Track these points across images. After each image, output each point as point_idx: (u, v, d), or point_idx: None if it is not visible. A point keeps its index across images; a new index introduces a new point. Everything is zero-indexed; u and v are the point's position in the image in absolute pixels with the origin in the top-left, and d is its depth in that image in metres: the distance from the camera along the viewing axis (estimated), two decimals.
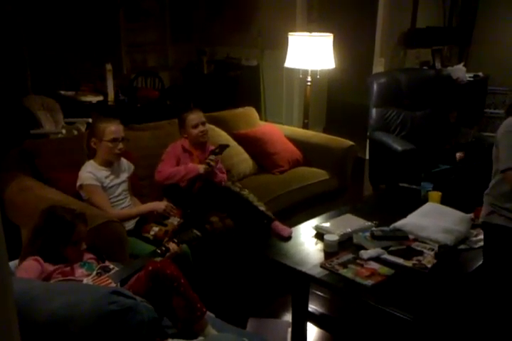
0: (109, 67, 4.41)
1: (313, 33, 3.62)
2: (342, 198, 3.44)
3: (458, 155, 3.52)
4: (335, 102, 6.45)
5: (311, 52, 3.55)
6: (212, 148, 2.83)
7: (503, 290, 1.98)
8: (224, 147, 2.81)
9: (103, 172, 2.41)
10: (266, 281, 2.84)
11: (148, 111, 4.54)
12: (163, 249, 1.85)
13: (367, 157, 4.62)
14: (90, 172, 2.36)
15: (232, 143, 3.20)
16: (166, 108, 4.85)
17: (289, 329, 2.42)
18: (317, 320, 2.51)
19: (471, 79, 5.04)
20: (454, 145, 3.64)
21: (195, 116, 2.80)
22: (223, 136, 3.23)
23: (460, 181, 3.20)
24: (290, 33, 3.70)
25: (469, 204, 2.63)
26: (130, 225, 2.41)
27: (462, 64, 5.09)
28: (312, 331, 2.45)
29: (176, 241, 1.91)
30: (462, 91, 4.69)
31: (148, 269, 1.55)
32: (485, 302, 2.07)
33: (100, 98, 4.50)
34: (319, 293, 2.67)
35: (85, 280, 1.61)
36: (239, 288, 2.74)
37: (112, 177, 2.44)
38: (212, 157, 2.71)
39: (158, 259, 1.73)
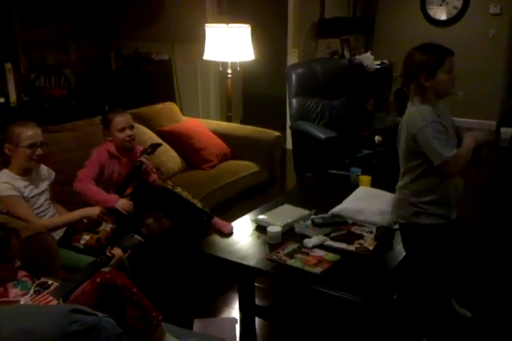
0: (8, 66, 4.05)
1: (231, 25, 3.56)
2: (272, 189, 3.45)
3: (376, 138, 3.67)
4: (250, 94, 6.47)
5: (229, 44, 3.50)
6: (141, 148, 2.69)
7: (429, 280, 2.01)
8: (156, 146, 2.68)
9: (21, 182, 2.19)
10: (204, 280, 2.78)
11: (56, 111, 4.25)
12: (104, 257, 1.72)
13: (288, 147, 4.68)
14: (7, 182, 2.14)
15: (158, 140, 3.07)
16: (74, 107, 4.56)
17: (236, 326, 2.39)
18: (264, 313, 2.50)
19: (379, 66, 5.29)
20: (372, 131, 3.79)
21: (121, 119, 2.58)
22: (148, 134, 3.09)
23: (382, 164, 3.34)
24: (207, 25, 3.62)
25: (394, 185, 2.76)
26: (58, 235, 2.23)
27: (369, 52, 5.32)
28: (260, 325, 2.43)
29: (119, 246, 1.79)
30: (372, 79, 4.91)
31: (97, 281, 1.43)
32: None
33: (1, 100, 4.12)
34: (260, 286, 2.65)
35: (22, 301, 1.45)
36: (179, 289, 2.65)
37: (31, 187, 2.23)
38: (144, 157, 2.58)
39: (107, 269, 1.60)
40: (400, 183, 2.02)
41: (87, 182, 2.45)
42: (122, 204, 2.41)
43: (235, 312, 2.50)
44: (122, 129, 2.57)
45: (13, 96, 4.11)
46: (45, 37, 5.71)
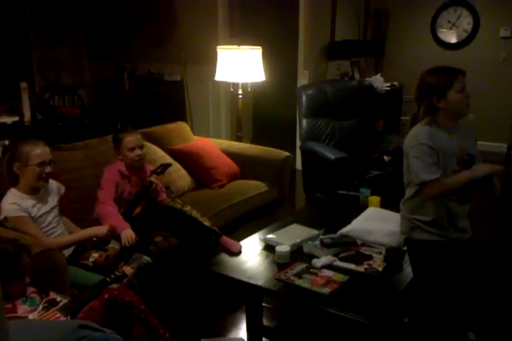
0: (24, 85, 4.13)
1: (242, 47, 3.63)
2: (281, 209, 3.44)
3: (386, 158, 3.68)
4: (260, 114, 6.53)
5: (240, 66, 3.55)
6: (151, 168, 2.71)
7: (437, 302, 2.00)
8: (166, 166, 2.70)
9: (29, 202, 2.19)
10: (212, 300, 2.75)
11: (69, 130, 4.31)
12: (113, 277, 1.72)
13: (298, 167, 4.69)
14: (14, 202, 2.14)
15: (169, 159, 3.10)
16: (87, 126, 4.63)
17: None
18: (272, 334, 2.46)
19: (388, 88, 5.33)
20: (381, 152, 3.80)
21: (132, 139, 2.62)
22: (159, 153, 3.12)
23: (392, 185, 3.33)
24: (219, 47, 3.69)
25: None
26: (67, 252, 2.23)
27: (379, 74, 5.36)
28: None
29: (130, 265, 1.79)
30: (382, 100, 4.93)
31: (105, 297, 1.43)
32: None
33: (16, 118, 4.19)
34: (268, 306, 2.63)
35: (31, 317, 1.45)
36: (186, 308, 2.63)
37: (39, 205, 2.23)
38: (154, 177, 2.60)
39: (115, 286, 1.60)
40: (402, 199, 2.13)
41: (108, 205, 2.46)
42: (125, 234, 2.35)
43: (242, 332, 2.47)
44: (132, 149, 2.60)
45: (27, 115, 4.17)
46: (60, 57, 5.85)
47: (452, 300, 2.00)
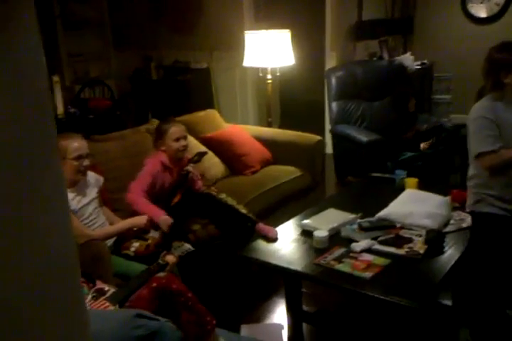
0: (55, 78, 4.20)
1: (270, 30, 3.58)
2: (313, 194, 3.43)
3: (422, 146, 3.57)
4: (287, 99, 6.47)
5: (269, 50, 3.51)
6: (188, 157, 2.73)
7: (490, 276, 2.01)
8: (202, 154, 2.72)
9: (68, 195, 2.24)
10: (249, 286, 2.78)
11: (101, 122, 4.37)
12: (157, 265, 1.75)
13: (327, 151, 4.65)
14: None
15: (202, 147, 3.11)
16: (119, 117, 4.69)
17: (283, 332, 2.38)
18: (312, 319, 2.48)
19: (419, 67, 5.19)
20: (415, 133, 3.72)
21: (177, 129, 2.63)
22: (192, 141, 3.14)
23: (428, 166, 3.27)
24: (246, 31, 3.65)
25: (442, 187, 2.69)
26: (109, 243, 2.28)
27: (409, 53, 5.23)
28: (307, 331, 2.41)
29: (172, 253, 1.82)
30: (412, 79, 4.82)
31: (153, 286, 1.45)
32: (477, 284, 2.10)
33: None
34: (306, 291, 2.63)
35: None
36: (225, 294, 2.67)
37: (78, 198, 2.26)
38: (190, 166, 2.61)
39: (163, 275, 1.63)
40: (467, 175, 2.16)
41: (136, 194, 2.47)
42: (163, 220, 2.37)
43: (280, 317, 2.49)
44: (177, 139, 2.61)
45: (60, 108, 4.24)
46: (88, 49, 5.90)
47: (501, 277, 1.99)
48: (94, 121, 4.34)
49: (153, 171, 2.56)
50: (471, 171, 2.12)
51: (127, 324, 0.96)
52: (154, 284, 1.46)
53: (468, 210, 2.18)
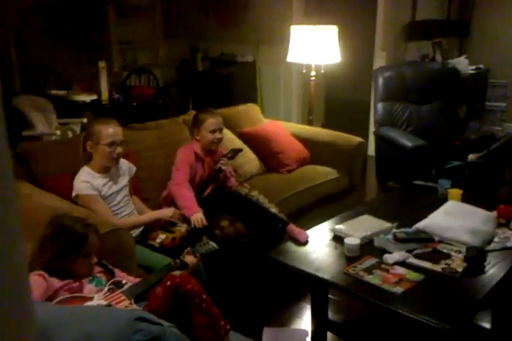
0: (102, 64, 4.22)
1: (317, 26, 3.46)
2: (351, 197, 3.31)
3: (470, 157, 3.34)
4: (332, 98, 6.33)
5: (315, 46, 3.39)
6: (223, 151, 2.67)
7: None
8: (237, 151, 2.65)
9: (100, 180, 2.22)
10: (275, 288, 2.70)
11: (143, 110, 4.37)
12: (178, 261, 1.69)
13: (370, 153, 4.50)
14: (86, 181, 2.17)
15: (238, 141, 3.05)
16: (161, 106, 4.68)
17: (307, 339, 2.29)
18: (338, 329, 2.37)
19: (473, 71, 4.94)
20: (464, 141, 3.52)
21: (214, 121, 2.58)
22: (228, 135, 3.08)
23: (475, 177, 3.09)
24: (292, 26, 3.55)
25: (488, 201, 2.52)
26: (135, 233, 2.26)
27: (464, 56, 4.99)
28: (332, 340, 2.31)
29: (193, 253, 1.76)
30: (465, 85, 4.59)
31: (167, 284, 1.40)
32: None
33: (94, 97, 4.30)
34: (334, 298, 2.53)
35: (96, 297, 1.45)
36: (250, 296, 2.60)
37: (110, 184, 2.25)
38: (224, 161, 2.55)
39: (178, 273, 1.57)
40: None
41: (182, 186, 2.44)
42: (196, 217, 2.33)
43: (305, 323, 2.41)
44: (213, 131, 2.56)
45: (105, 94, 4.27)
46: (137, 37, 5.95)
47: None
48: (137, 108, 4.34)
49: (188, 160, 2.52)
50: None
51: (126, 327, 0.91)
52: (168, 283, 1.41)
53: None
